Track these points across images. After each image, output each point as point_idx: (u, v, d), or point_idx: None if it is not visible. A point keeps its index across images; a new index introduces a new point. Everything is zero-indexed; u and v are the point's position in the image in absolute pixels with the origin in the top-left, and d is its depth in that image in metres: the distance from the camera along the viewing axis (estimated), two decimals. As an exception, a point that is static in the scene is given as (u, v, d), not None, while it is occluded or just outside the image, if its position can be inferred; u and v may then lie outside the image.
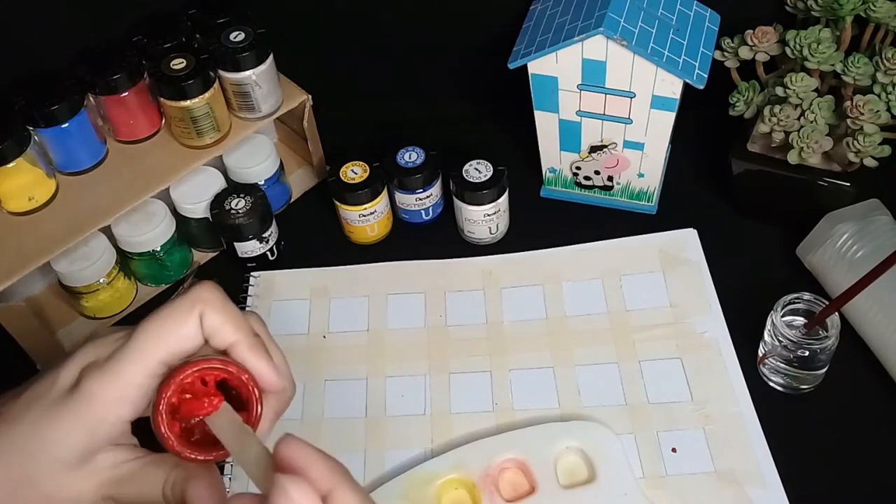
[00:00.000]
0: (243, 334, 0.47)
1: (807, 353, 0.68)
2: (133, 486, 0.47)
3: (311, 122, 0.86)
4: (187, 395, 0.46)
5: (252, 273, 0.84)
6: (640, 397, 0.72)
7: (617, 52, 0.73)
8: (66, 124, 0.74)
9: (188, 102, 0.76)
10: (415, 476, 0.67)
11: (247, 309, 0.81)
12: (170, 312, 0.46)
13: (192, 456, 0.45)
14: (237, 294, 0.82)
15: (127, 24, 0.80)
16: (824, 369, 0.70)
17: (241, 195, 0.81)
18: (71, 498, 0.47)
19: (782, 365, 0.70)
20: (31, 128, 0.74)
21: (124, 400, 0.46)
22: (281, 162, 0.88)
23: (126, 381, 0.45)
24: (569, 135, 0.82)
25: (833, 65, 0.73)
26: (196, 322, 0.46)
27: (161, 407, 0.45)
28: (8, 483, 0.46)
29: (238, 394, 0.47)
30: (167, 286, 0.84)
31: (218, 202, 0.81)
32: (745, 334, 0.74)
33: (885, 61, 0.71)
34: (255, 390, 0.47)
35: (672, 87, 0.74)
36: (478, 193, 0.80)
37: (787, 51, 0.74)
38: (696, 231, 0.82)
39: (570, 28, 0.74)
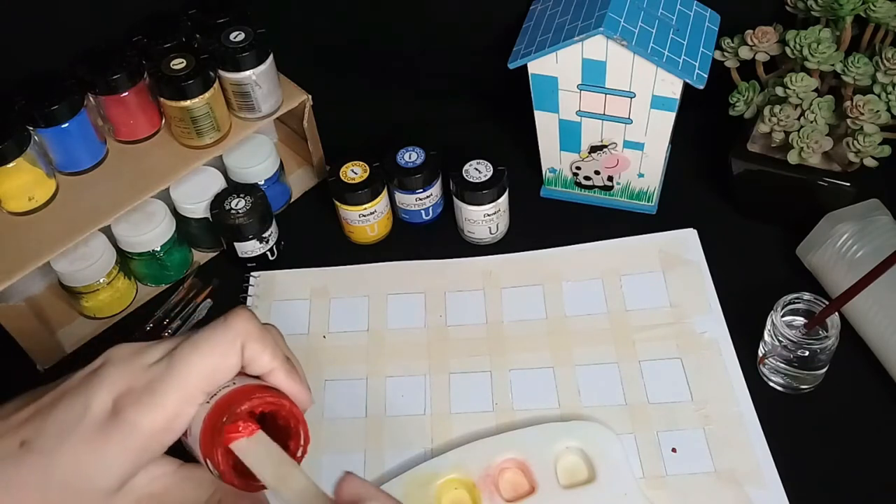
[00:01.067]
0: (280, 361, 0.49)
1: (807, 353, 0.68)
2: (171, 501, 0.48)
3: (311, 122, 0.86)
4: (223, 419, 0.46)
5: (252, 273, 0.84)
6: (640, 397, 0.72)
7: (617, 52, 0.73)
8: (66, 124, 0.74)
9: (188, 102, 0.76)
10: (415, 476, 0.67)
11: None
12: (213, 346, 0.47)
13: (251, 485, 0.46)
14: (237, 294, 0.82)
15: (127, 24, 0.80)
16: (824, 369, 0.70)
17: (241, 195, 0.81)
18: None
19: (782, 365, 0.70)
20: (31, 128, 0.74)
21: (168, 430, 0.46)
22: (281, 162, 0.88)
23: (170, 411, 0.46)
24: (569, 135, 0.82)
25: (833, 65, 0.73)
26: (238, 354, 0.48)
27: (219, 441, 0.45)
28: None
29: (277, 423, 0.48)
30: (167, 286, 0.84)
31: (218, 202, 0.81)
32: (745, 334, 0.74)
33: (885, 61, 0.71)
34: (304, 425, 0.48)
35: (672, 87, 0.74)
36: (478, 193, 0.80)
37: (787, 51, 0.74)
38: (696, 231, 0.82)
39: (570, 28, 0.74)
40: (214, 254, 0.86)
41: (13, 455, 0.46)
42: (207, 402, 0.47)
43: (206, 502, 0.49)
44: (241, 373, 0.48)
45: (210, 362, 0.47)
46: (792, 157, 0.75)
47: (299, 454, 0.48)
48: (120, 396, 0.46)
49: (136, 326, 0.80)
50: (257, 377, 0.49)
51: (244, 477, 0.46)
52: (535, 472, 0.67)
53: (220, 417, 0.45)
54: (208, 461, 0.46)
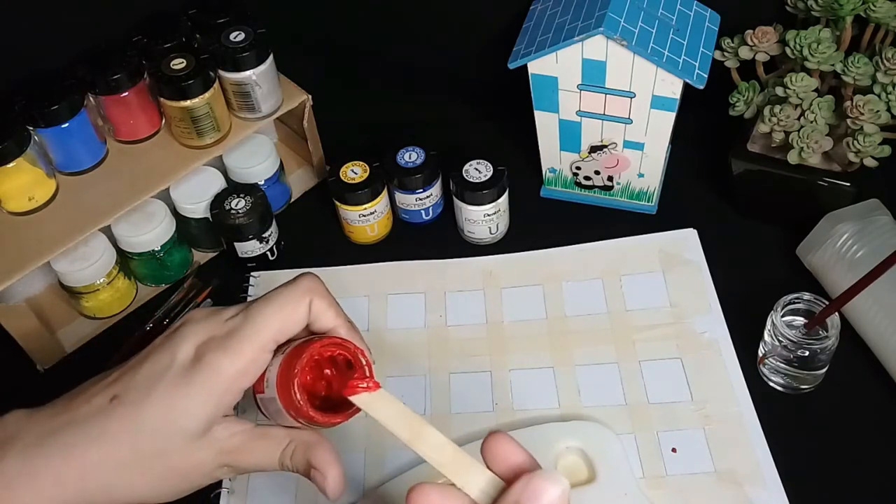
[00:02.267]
0: (343, 319, 0.55)
1: (807, 353, 0.68)
2: (248, 456, 0.53)
3: (311, 122, 0.86)
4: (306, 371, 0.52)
5: (252, 273, 0.84)
6: (640, 397, 0.72)
7: (617, 52, 0.73)
8: (66, 124, 0.74)
9: (188, 102, 0.76)
10: (415, 476, 0.67)
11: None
12: (285, 300, 0.54)
13: (328, 420, 0.51)
14: (237, 294, 0.82)
15: (127, 24, 0.80)
16: (824, 369, 0.70)
17: (241, 195, 0.81)
18: (196, 466, 0.52)
19: (782, 365, 0.70)
20: (31, 128, 0.74)
21: (246, 373, 0.51)
22: (281, 162, 0.88)
23: (248, 356, 0.51)
24: (569, 135, 0.82)
25: (833, 65, 0.73)
26: (307, 309, 0.54)
27: (296, 379, 0.50)
28: (137, 461, 0.50)
29: (340, 370, 0.53)
30: (167, 286, 0.84)
31: (218, 202, 0.81)
32: (745, 334, 0.74)
33: (885, 61, 0.71)
34: (369, 366, 0.52)
35: (672, 87, 0.74)
36: (478, 193, 0.80)
37: (787, 51, 0.74)
38: (696, 231, 0.82)
39: (570, 28, 0.74)
40: (214, 254, 0.86)
41: (104, 409, 0.50)
42: (281, 353, 0.52)
43: (280, 456, 0.53)
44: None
45: (281, 314, 0.53)
46: (792, 157, 0.75)
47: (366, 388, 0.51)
48: (202, 345, 0.51)
49: (137, 326, 0.80)
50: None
51: (323, 413, 0.51)
52: (535, 472, 0.67)
53: (295, 359, 0.51)
54: (286, 400, 0.51)
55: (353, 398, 0.51)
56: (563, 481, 0.43)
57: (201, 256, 0.86)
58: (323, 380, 0.53)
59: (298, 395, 0.50)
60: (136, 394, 0.51)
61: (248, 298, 0.81)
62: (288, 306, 0.53)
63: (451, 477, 0.45)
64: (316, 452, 0.53)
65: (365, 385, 0.51)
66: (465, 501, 0.45)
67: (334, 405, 0.52)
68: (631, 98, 0.76)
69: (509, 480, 0.44)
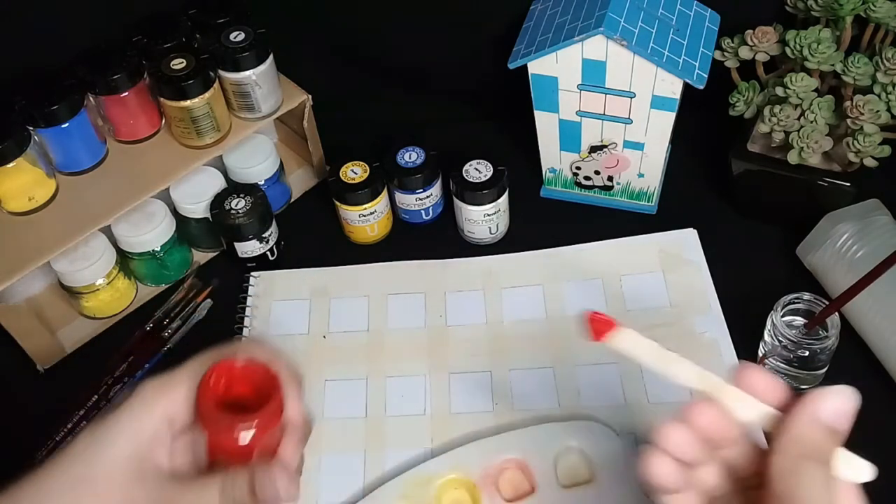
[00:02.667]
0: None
1: (807, 353, 0.68)
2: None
3: (311, 122, 0.86)
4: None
5: (252, 273, 0.84)
6: (640, 397, 0.72)
7: (617, 52, 0.73)
8: (66, 124, 0.74)
9: (188, 102, 0.76)
10: (415, 476, 0.67)
11: (247, 309, 0.81)
12: (221, 348, 0.55)
13: (239, 421, 0.51)
14: (237, 294, 0.82)
15: (127, 24, 0.80)
16: (824, 369, 0.70)
17: (241, 195, 0.81)
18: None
19: (782, 365, 0.70)
20: (31, 128, 0.74)
21: (172, 397, 0.52)
22: (281, 162, 0.88)
23: (175, 381, 0.53)
24: (569, 135, 0.82)
25: (833, 65, 0.73)
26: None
27: (209, 389, 0.52)
28: (70, 488, 0.50)
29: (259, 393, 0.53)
30: (167, 286, 0.84)
31: (218, 202, 0.81)
32: (745, 334, 0.74)
33: (885, 61, 0.71)
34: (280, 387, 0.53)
35: (672, 87, 0.74)
36: (478, 193, 0.80)
37: (787, 51, 0.74)
38: (696, 231, 0.82)
39: (570, 28, 0.74)
40: (214, 254, 0.86)
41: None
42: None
43: (221, 492, 0.52)
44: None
45: (214, 354, 0.54)
46: (792, 157, 0.75)
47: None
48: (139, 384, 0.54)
49: (137, 326, 0.80)
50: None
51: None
52: (535, 472, 0.67)
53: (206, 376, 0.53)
54: (203, 414, 0.52)
55: (607, 341, 0.53)
56: (845, 390, 0.44)
57: (201, 256, 0.86)
58: (247, 403, 0.53)
59: (204, 402, 0.51)
60: (74, 440, 0.52)
61: (248, 298, 0.81)
62: (218, 350, 0.54)
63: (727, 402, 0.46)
64: (261, 475, 0.52)
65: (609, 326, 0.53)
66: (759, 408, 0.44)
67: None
68: (631, 98, 0.76)
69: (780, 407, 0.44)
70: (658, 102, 0.76)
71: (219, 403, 0.52)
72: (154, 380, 0.53)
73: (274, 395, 0.52)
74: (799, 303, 0.70)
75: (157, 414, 0.52)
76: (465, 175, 0.81)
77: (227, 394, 0.53)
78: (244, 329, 0.79)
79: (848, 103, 0.72)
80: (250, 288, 0.83)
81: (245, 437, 0.51)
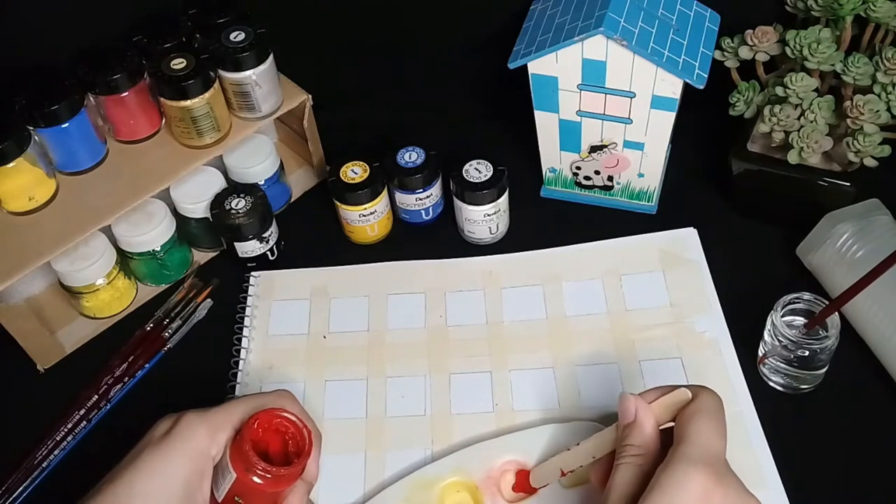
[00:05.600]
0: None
1: (807, 353, 0.68)
2: None
3: (311, 122, 0.86)
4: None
5: (252, 273, 0.84)
6: (640, 397, 0.72)
7: (617, 52, 0.73)
8: (66, 124, 0.74)
9: (188, 102, 0.76)
10: (417, 479, 0.67)
11: (247, 309, 0.81)
12: (260, 396, 0.61)
13: (276, 473, 0.57)
14: (237, 294, 0.82)
15: (127, 24, 0.80)
16: (824, 369, 0.70)
17: (241, 195, 0.81)
18: None
19: (782, 365, 0.70)
20: (31, 128, 0.74)
21: (216, 438, 0.57)
22: (281, 162, 0.88)
23: (217, 420, 0.58)
24: (569, 135, 0.82)
25: (833, 65, 0.73)
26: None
27: (247, 435, 0.57)
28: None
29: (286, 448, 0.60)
30: (167, 286, 0.84)
31: (218, 202, 0.81)
32: (745, 334, 0.74)
33: (885, 61, 0.71)
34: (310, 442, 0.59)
35: (672, 87, 0.74)
36: (478, 193, 0.80)
37: (787, 51, 0.74)
38: (696, 231, 0.82)
39: (570, 28, 0.74)
40: (214, 254, 0.86)
41: (98, 491, 0.55)
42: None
43: None
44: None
45: (255, 401, 0.61)
46: (792, 157, 0.75)
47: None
48: (177, 418, 0.59)
49: (137, 326, 0.80)
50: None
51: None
52: (535, 472, 0.67)
53: (245, 426, 0.58)
54: (237, 458, 0.57)
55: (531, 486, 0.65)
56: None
57: (201, 256, 0.86)
58: (271, 450, 0.59)
59: (248, 448, 0.56)
60: (122, 469, 0.56)
61: (248, 298, 0.81)
62: (262, 397, 0.61)
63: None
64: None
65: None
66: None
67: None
68: (631, 98, 0.76)
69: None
70: (658, 102, 0.76)
71: (255, 449, 0.56)
72: (200, 417, 0.57)
73: (306, 452, 0.58)
74: (799, 303, 0.70)
75: (206, 452, 0.56)
76: (465, 175, 0.81)
77: (261, 441, 0.59)
78: (244, 329, 0.79)
79: (848, 103, 0.72)
80: (250, 288, 0.83)
81: (274, 483, 0.57)
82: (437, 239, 0.86)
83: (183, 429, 0.57)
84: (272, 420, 0.59)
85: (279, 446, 0.59)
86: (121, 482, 0.54)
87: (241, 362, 0.77)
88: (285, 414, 0.59)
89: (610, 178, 0.85)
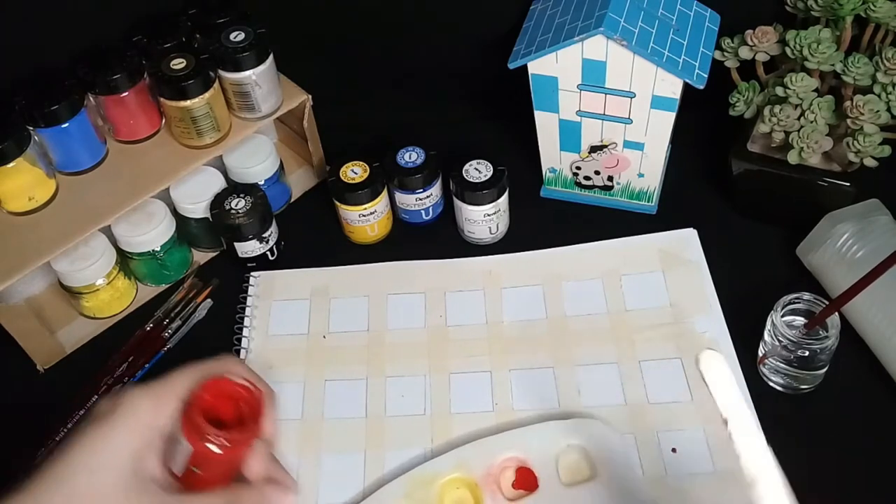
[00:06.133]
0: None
1: (807, 353, 0.68)
2: None
3: (311, 122, 0.86)
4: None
5: (252, 273, 0.84)
6: (640, 397, 0.72)
7: (617, 52, 0.73)
8: (66, 124, 0.74)
9: (188, 102, 0.76)
10: (417, 476, 0.67)
11: (247, 309, 0.81)
12: (202, 363, 0.59)
13: (223, 437, 0.56)
14: (237, 294, 0.82)
15: (127, 24, 0.80)
16: (824, 369, 0.70)
17: (241, 195, 0.81)
18: None
19: (782, 365, 0.70)
20: (31, 128, 0.74)
21: (160, 410, 0.55)
22: (281, 162, 0.88)
23: (159, 392, 0.56)
24: (569, 135, 0.82)
25: (833, 65, 0.73)
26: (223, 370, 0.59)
27: (196, 402, 0.56)
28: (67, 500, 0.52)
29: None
30: (167, 286, 0.84)
31: (218, 202, 0.81)
32: (745, 334, 0.74)
33: (885, 61, 0.71)
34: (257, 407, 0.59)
35: (672, 87, 0.74)
36: (478, 193, 0.80)
37: (787, 51, 0.74)
38: (696, 231, 0.82)
39: (570, 28, 0.74)
40: (214, 254, 0.86)
41: (39, 471, 0.53)
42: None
43: None
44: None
45: (197, 370, 0.59)
46: (792, 157, 0.75)
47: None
48: (119, 395, 0.57)
49: (137, 326, 0.80)
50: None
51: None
52: (536, 470, 0.67)
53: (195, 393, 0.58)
54: (189, 429, 0.56)
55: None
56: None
57: (201, 256, 0.86)
58: (224, 416, 0.58)
59: (199, 418, 0.55)
60: (65, 446, 0.54)
61: (248, 298, 0.81)
62: (206, 365, 0.59)
63: None
64: (264, 492, 0.58)
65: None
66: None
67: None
68: (631, 98, 0.76)
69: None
70: (658, 102, 0.76)
71: (206, 417, 0.56)
72: (142, 390, 0.56)
73: (259, 414, 0.58)
74: (799, 303, 0.70)
75: (151, 424, 0.54)
76: (465, 175, 0.81)
77: (212, 409, 0.57)
78: (244, 329, 0.79)
79: (848, 103, 0.72)
80: (250, 288, 0.83)
81: (230, 449, 0.56)
82: (437, 239, 0.86)
83: (125, 403, 0.55)
84: (222, 388, 0.58)
85: (231, 411, 0.59)
86: (63, 459, 0.53)
87: (241, 362, 0.77)
88: (234, 379, 0.58)
89: (610, 178, 0.85)
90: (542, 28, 0.77)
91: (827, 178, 0.76)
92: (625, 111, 0.78)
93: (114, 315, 0.82)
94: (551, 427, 0.69)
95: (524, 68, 0.77)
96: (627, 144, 0.81)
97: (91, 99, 0.77)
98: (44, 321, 0.80)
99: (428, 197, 0.85)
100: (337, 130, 0.89)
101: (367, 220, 0.83)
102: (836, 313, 0.67)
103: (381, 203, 0.83)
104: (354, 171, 0.83)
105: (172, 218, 0.81)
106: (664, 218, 0.85)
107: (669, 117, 0.77)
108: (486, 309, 0.80)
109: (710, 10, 0.78)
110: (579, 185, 0.87)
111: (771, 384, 0.72)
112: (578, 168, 0.85)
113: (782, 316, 0.69)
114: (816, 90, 0.74)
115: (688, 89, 0.74)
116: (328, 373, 0.76)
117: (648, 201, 0.86)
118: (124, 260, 0.81)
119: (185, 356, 0.78)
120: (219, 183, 0.83)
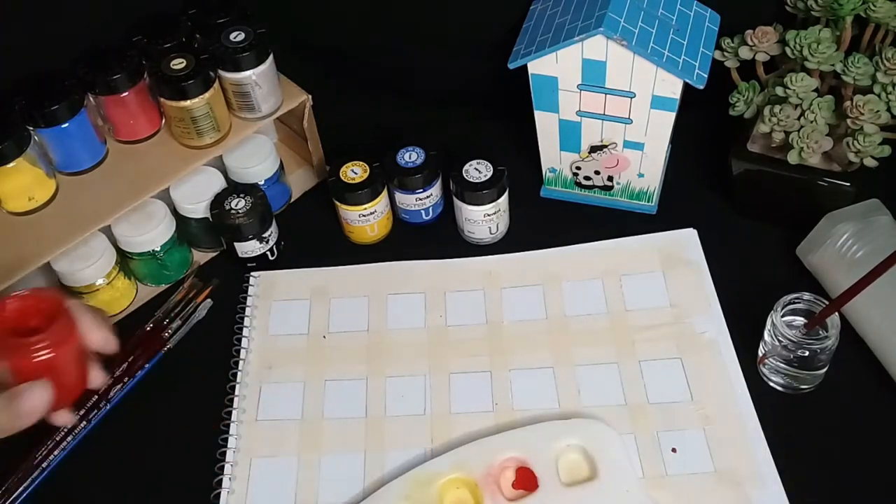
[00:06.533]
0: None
1: (807, 353, 0.68)
2: None
3: (311, 122, 0.86)
4: None
5: (252, 273, 0.84)
6: (640, 397, 0.72)
7: (617, 52, 0.73)
8: (66, 124, 0.74)
9: (188, 102, 0.76)
10: (417, 476, 0.67)
11: (247, 309, 0.81)
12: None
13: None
14: (237, 294, 0.82)
15: (127, 24, 0.80)
16: (824, 369, 0.70)
17: (241, 195, 0.81)
18: None
19: (782, 365, 0.70)
20: (31, 128, 0.74)
21: None
22: (281, 162, 0.88)
23: None
24: (569, 135, 0.82)
25: (833, 65, 0.73)
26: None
27: None
28: None
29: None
30: (167, 286, 0.84)
31: (218, 202, 0.81)
32: (745, 334, 0.74)
33: (885, 61, 0.71)
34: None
35: (672, 87, 0.74)
36: (478, 193, 0.80)
37: (787, 51, 0.74)
38: (696, 231, 0.82)
39: (570, 28, 0.74)
40: (214, 254, 0.86)
41: None
42: None
43: None
44: None
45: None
46: (792, 157, 0.75)
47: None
48: None
49: (137, 326, 0.80)
50: None
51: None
52: (536, 470, 0.67)
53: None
54: None
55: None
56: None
57: (201, 256, 0.86)
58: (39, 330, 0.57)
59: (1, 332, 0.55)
60: None
61: (248, 298, 0.81)
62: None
63: None
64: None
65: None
66: None
67: None
68: (631, 98, 0.76)
69: None
70: (658, 102, 0.76)
71: (11, 332, 0.56)
72: None
73: (60, 315, 0.57)
74: (799, 303, 0.70)
75: None
76: (465, 175, 0.81)
77: (20, 325, 0.57)
78: (244, 329, 0.79)
79: (848, 103, 0.72)
80: (250, 288, 0.83)
81: (39, 354, 0.56)
82: (437, 239, 0.86)
83: None
84: (21, 302, 0.58)
85: (44, 324, 0.58)
86: None
87: (241, 362, 0.77)
88: (28, 293, 0.58)
89: (610, 178, 0.85)
90: (542, 28, 0.77)
91: (827, 178, 0.76)
92: (625, 111, 0.78)
93: (114, 315, 0.82)
94: (551, 427, 0.69)
95: (524, 68, 0.77)
96: (627, 144, 0.81)
97: (91, 99, 0.77)
98: (44, 321, 0.80)
99: (428, 197, 0.85)
100: (337, 130, 0.89)
101: (367, 220, 0.83)
102: (836, 313, 0.67)
103: (381, 203, 0.83)
104: (354, 171, 0.83)
105: (172, 218, 0.81)
106: (664, 218, 0.85)
107: (669, 117, 0.77)
108: (486, 309, 0.80)
109: (710, 10, 0.78)
110: (579, 185, 0.87)
111: (771, 384, 0.72)
112: (578, 168, 0.85)
113: (782, 316, 0.69)
114: (816, 90, 0.74)
115: (688, 89, 0.74)
116: (328, 373, 0.76)
117: (648, 201, 0.86)
118: (124, 260, 0.81)
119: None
120: (219, 183, 0.83)
